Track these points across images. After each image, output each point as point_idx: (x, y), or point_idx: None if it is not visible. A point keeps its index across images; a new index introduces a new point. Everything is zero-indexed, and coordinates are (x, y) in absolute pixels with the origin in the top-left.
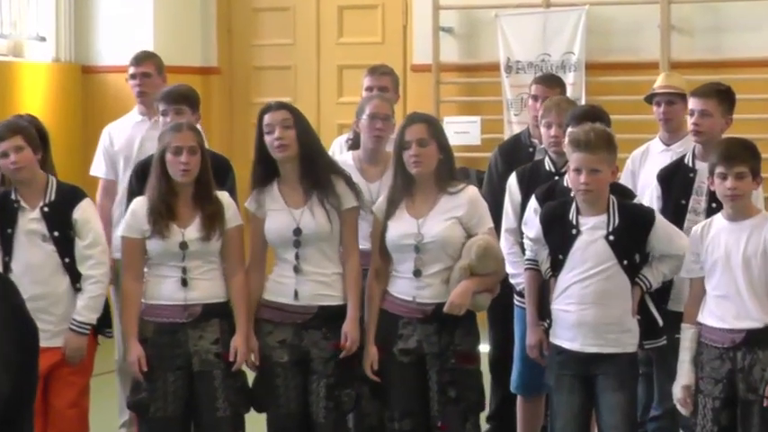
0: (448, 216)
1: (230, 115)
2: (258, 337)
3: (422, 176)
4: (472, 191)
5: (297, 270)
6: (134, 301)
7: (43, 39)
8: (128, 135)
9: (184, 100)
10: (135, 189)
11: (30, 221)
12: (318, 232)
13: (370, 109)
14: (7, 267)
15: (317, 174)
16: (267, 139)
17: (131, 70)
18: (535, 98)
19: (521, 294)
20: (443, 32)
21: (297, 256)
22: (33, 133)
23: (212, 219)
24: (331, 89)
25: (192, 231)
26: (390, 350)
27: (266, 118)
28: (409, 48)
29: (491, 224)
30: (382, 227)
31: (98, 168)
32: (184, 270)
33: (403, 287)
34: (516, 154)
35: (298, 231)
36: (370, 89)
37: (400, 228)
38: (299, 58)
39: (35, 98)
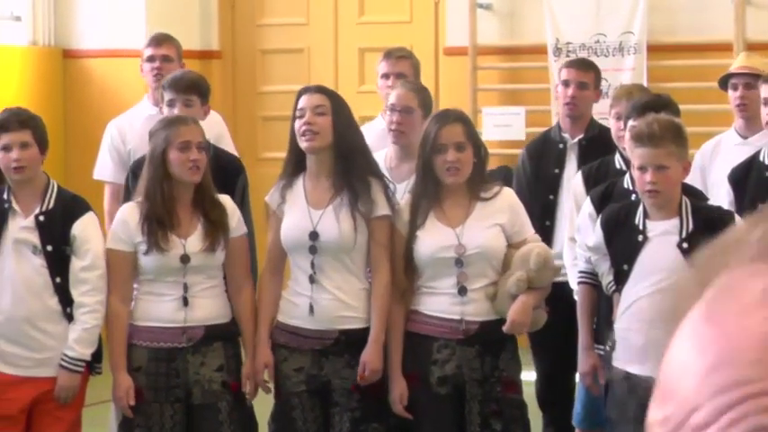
0: (489, 223)
1: (233, 106)
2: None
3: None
4: (509, 193)
5: (312, 280)
6: (122, 327)
7: (18, 18)
8: (143, 131)
9: (195, 89)
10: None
11: (21, 229)
12: (339, 241)
13: (390, 99)
14: None
15: (351, 173)
16: (296, 124)
17: (149, 52)
18: (566, 84)
19: None
20: (481, 9)
21: (313, 265)
22: (44, 129)
23: (216, 226)
24: (351, 75)
25: (195, 242)
26: (424, 379)
27: (300, 101)
28: (442, 28)
29: (533, 230)
30: (408, 238)
31: (104, 171)
32: (185, 287)
33: (441, 305)
34: (545, 153)
35: (314, 235)
36: (386, 76)
37: (436, 239)
38: (314, 39)
39: (8, 86)
